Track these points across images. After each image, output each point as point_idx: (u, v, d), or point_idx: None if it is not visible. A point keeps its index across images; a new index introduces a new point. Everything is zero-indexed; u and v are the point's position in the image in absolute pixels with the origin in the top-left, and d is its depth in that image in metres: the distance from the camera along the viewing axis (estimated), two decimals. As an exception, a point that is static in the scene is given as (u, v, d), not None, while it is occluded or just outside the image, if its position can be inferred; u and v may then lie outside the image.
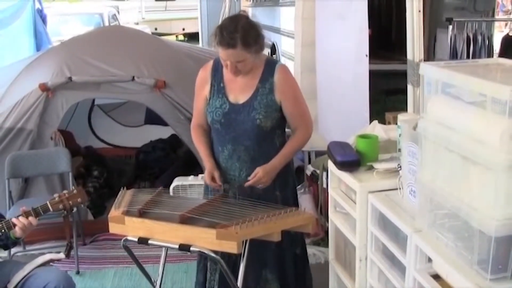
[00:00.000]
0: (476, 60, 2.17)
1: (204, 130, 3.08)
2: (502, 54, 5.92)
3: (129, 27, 7.30)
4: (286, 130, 3.06)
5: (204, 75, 3.04)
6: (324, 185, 4.10)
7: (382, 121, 4.73)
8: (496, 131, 1.71)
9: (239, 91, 2.93)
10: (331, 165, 2.92)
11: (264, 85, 2.90)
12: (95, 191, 5.37)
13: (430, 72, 2.04)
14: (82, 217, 4.63)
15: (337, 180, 2.94)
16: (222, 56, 2.80)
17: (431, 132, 2.02)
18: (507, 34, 6.28)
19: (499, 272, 1.80)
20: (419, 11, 3.14)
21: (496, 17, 7.93)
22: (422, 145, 2.11)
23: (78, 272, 4.16)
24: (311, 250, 4.29)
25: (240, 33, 2.72)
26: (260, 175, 2.86)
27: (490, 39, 5.88)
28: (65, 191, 2.91)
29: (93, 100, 6.30)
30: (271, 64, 2.95)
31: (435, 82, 2.00)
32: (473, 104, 1.87)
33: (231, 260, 2.90)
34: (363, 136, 2.89)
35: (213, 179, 2.93)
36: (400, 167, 2.50)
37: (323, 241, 4.40)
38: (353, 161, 2.75)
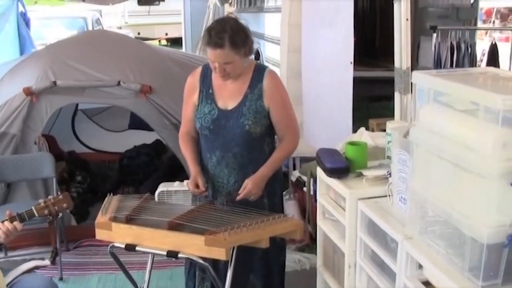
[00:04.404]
0: (466, 69, 2.20)
1: (192, 138, 3.06)
2: (490, 62, 6.02)
3: (114, 32, 7.26)
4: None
5: (192, 81, 3.02)
6: (311, 192, 4.11)
7: (366, 128, 4.77)
8: (489, 139, 1.73)
9: (228, 97, 2.92)
10: (320, 172, 2.93)
11: (253, 91, 2.89)
12: (79, 196, 5.33)
13: (422, 80, 2.05)
14: (66, 223, 4.58)
15: (325, 186, 2.94)
16: (211, 57, 2.79)
17: (423, 140, 2.03)
18: (492, 43, 6.39)
19: (491, 279, 1.82)
20: (407, 19, 3.17)
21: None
22: (414, 153, 2.12)
23: (61, 279, 4.10)
24: (296, 256, 4.29)
25: (228, 33, 2.72)
26: (250, 187, 2.84)
27: (473, 47, 5.96)
28: (50, 196, 2.88)
29: (77, 105, 6.25)
30: (260, 70, 2.94)
31: (427, 91, 2.01)
32: (464, 112, 1.89)
33: (217, 266, 2.89)
34: (352, 143, 2.90)
35: (197, 186, 2.92)
36: (390, 174, 2.51)
37: (308, 247, 4.41)
38: (343, 168, 2.76)
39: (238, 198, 2.84)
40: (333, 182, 2.79)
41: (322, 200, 2.99)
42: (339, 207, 2.78)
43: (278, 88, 2.96)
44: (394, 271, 2.27)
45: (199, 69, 3.03)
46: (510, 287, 1.83)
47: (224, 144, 2.92)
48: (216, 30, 2.75)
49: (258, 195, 2.88)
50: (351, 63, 4.00)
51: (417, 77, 2.08)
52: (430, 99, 2.02)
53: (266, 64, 8.81)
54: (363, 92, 8.17)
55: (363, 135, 3.39)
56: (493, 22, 17.62)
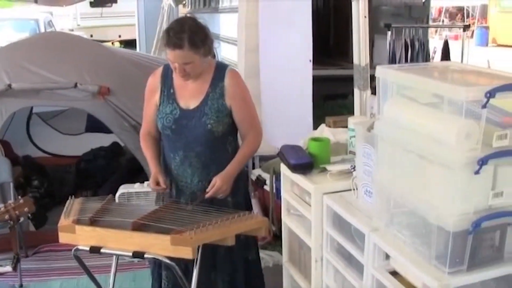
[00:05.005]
0: (427, 63, 2.25)
1: (153, 138, 3.05)
2: (443, 58, 6.19)
3: (70, 33, 7.14)
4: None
5: (153, 82, 3.00)
6: (274, 190, 4.13)
7: (323, 126, 4.84)
8: (452, 130, 1.78)
9: (190, 96, 2.91)
10: (284, 168, 2.95)
11: (214, 90, 2.89)
12: (36, 201, 5.17)
13: (386, 75, 2.09)
14: (23, 228, 4.48)
15: (290, 183, 2.97)
16: (170, 58, 2.78)
17: (388, 133, 2.07)
18: (445, 40, 6.59)
19: (457, 266, 1.87)
20: (365, 17, 3.22)
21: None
22: (379, 146, 2.16)
23: (21, 286, 4.01)
24: (258, 254, 4.31)
25: (187, 33, 2.71)
26: (219, 184, 2.83)
27: (425, 44, 6.10)
28: (10, 201, 2.82)
29: (31, 108, 6.12)
30: (221, 69, 2.94)
31: (390, 85, 2.05)
32: (427, 105, 1.93)
33: (181, 264, 2.88)
34: (315, 139, 2.93)
35: (158, 183, 2.90)
36: (354, 168, 2.55)
37: (270, 245, 4.43)
38: (307, 163, 2.78)
39: (207, 196, 2.84)
40: (298, 178, 2.81)
41: (286, 196, 3.01)
42: (304, 203, 2.80)
43: (239, 86, 2.96)
44: (362, 263, 2.31)
45: (160, 69, 3.02)
46: (475, 272, 1.89)
47: (186, 144, 2.91)
48: (175, 30, 2.73)
49: (226, 193, 2.88)
50: (310, 61, 4.04)
51: (381, 71, 2.11)
52: (393, 93, 2.06)
53: (222, 64, 8.82)
54: (319, 90, 8.26)
55: (324, 132, 3.43)
56: (443, 20, 18.08)
